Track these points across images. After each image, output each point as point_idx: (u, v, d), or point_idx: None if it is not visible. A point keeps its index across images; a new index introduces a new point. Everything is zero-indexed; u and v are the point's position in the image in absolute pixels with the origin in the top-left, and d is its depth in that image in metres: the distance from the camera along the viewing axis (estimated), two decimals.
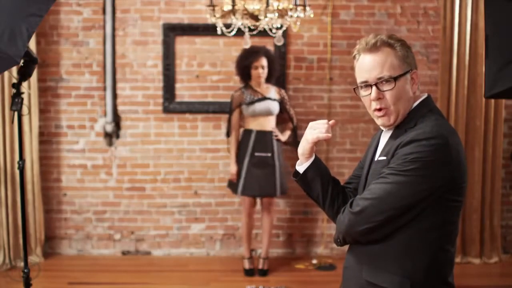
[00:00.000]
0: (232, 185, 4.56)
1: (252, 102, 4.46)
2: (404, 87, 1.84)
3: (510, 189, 5.16)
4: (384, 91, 1.82)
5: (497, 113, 4.86)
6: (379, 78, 1.81)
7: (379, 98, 1.83)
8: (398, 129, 1.85)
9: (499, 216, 4.97)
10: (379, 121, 1.89)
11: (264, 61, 4.44)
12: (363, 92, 1.87)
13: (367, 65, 1.83)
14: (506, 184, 5.13)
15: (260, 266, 4.59)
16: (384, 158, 1.81)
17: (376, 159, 1.88)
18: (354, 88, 1.93)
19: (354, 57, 1.89)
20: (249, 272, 4.56)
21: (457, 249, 4.87)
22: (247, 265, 4.59)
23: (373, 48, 1.83)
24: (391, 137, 1.86)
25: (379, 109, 1.85)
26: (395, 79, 1.81)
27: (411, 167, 1.69)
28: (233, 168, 4.52)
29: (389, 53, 1.84)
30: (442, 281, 1.79)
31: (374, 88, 1.82)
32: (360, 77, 1.86)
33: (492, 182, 4.91)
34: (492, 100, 4.76)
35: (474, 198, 4.87)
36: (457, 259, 4.89)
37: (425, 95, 1.94)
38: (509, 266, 4.87)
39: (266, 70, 4.47)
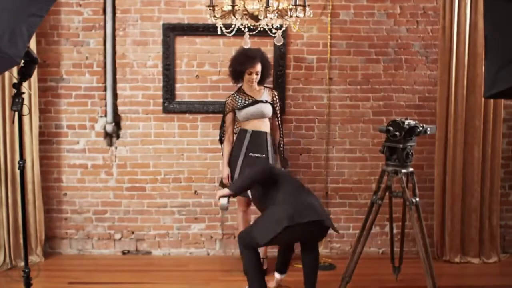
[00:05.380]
0: (224, 185, 4.57)
1: (244, 107, 4.46)
2: None
3: (509, 189, 5.17)
4: None
5: (496, 113, 4.87)
6: None
7: None
8: None
9: (498, 216, 4.98)
10: None
11: (259, 67, 4.44)
12: None
13: None
14: (505, 184, 5.14)
15: None
16: None
17: None
18: None
19: None
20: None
21: (456, 249, 4.89)
22: None
23: None
24: None
25: None
26: None
27: None
28: (224, 172, 4.53)
29: None
30: None
31: None
32: None
33: (491, 182, 4.92)
34: (491, 100, 4.77)
35: (473, 198, 4.88)
36: (456, 259, 4.90)
37: None
38: (508, 266, 4.88)
39: (259, 76, 4.47)
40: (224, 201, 3.51)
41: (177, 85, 4.97)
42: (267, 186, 3.75)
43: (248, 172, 3.72)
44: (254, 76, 4.44)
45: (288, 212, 3.52)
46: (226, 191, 3.61)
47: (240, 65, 4.43)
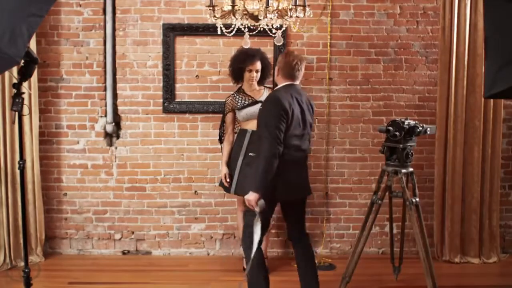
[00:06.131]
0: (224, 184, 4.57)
1: (243, 107, 4.46)
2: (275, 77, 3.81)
3: (509, 189, 5.17)
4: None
5: (496, 113, 4.87)
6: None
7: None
8: None
9: (498, 216, 4.98)
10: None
11: (258, 65, 4.45)
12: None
13: None
14: (505, 184, 5.14)
15: None
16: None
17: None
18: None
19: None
20: None
21: (456, 249, 4.89)
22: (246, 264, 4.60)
23: None
24: None
25: None
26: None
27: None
28: (222, 171, 4.53)
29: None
30: None
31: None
32: None
33: (491, 182, 4.92)
34: (491, 100, 4.77)
35: (473, 198, 4.88)
36: (456, 259, 4.90)
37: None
38: (508, 266, 4.89)
39: (259, 74, 4.47)
40: (262, 203, 3.42)
41: (177, 85, 4.98)
42: None
43: (261, 169, 3.44)
44: (254, 74, 4.44)
45: (280, 188, 3.57)
46: (254, 195, 3.44)
47: (240, 63, 4.43)
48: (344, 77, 5.02)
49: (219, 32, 3.45)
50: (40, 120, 4.87)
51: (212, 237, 5.10)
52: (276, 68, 3.72)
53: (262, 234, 3.72)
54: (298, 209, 3.81)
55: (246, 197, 3.48)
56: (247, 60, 4.40)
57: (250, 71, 4.43)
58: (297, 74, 3.65)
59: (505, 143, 5.07)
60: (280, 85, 3.67)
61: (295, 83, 3.66)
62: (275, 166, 3.45)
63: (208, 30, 4.84)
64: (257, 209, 3.44)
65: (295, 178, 3.64)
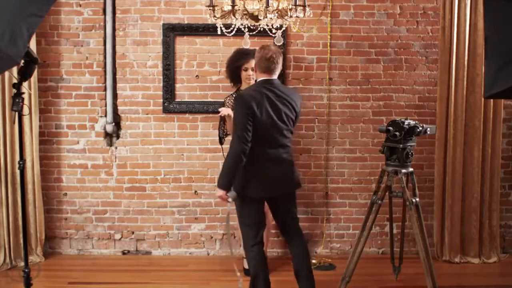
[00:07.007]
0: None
1: None
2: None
3: (509, 189, 5.17)
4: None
5: (496, 113, 4.87)
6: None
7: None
8: None
9: (498, 216, 4.98)
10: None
11: (253, 63, 4.45)
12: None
13: None
14: (505, 184, 5.14)
15: None
16: None
17: None
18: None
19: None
20: (249, 272, 4.55)
21: (456, 249, 4.89)
22: (246, 264, 4.60)
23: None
24: None
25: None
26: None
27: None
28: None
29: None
30: None
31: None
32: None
33: (491, 182, 4.92)
34: (491, 100, 4.77)
35: (473, 198, 4.88)
36: (456, 259, 4.90)
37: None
38: (508, 266, 4.88)
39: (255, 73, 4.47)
40: (232, 194, 3.52)
41: (177, 85, 4.98)
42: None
43: (225, 165, 3.55)
44: (250, 72, 4.43)
45: (260, 186, 3.58)
46: (221, 191, 3.55)
47: (235, 61, 4.44)
48: (344, 77, 5.02)
49: (219, 32, 3.46)
50: (40, 120, 4.87)
51: (212, 237, 5.10)
52: (254, 63, 3.69)
53: (260, 231, 3.71)
54: (284, 204, 3.75)
55: (216, 194, 3.60)
56: (241, 59, 4.41)
57: (246, 69, 4.43)
58: (273, 67, 3.57)
59: (505, 143, 5.07)
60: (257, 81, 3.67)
61: (271, 77, 3.59)
62: (241, 163, 3.47)
63: (208, 30, 4.84)
64: (230, 200, 3.54)
65: (275, 175, 3.61)
